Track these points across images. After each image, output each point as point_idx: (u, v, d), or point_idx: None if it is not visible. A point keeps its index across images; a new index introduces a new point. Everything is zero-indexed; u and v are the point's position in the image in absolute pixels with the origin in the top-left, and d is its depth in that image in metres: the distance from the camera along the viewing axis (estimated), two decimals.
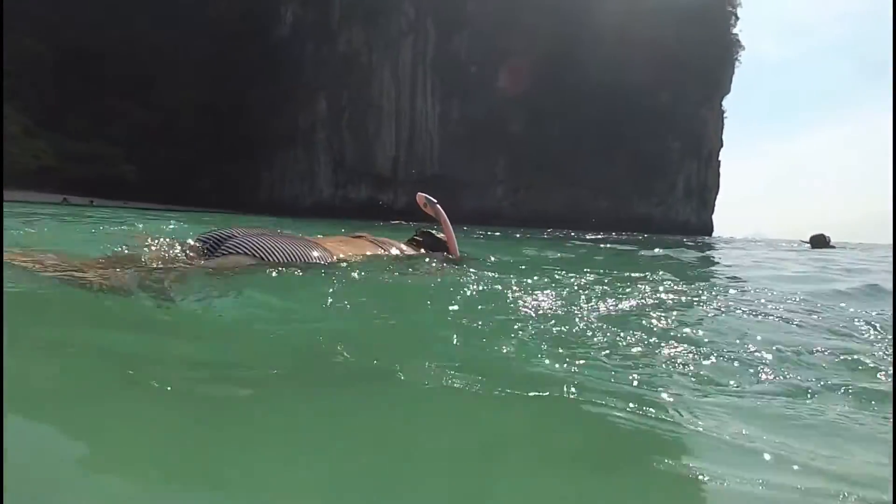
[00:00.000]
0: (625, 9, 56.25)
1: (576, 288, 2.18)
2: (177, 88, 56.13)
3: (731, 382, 1.25)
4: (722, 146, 65.36)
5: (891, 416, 1.11)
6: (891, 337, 1.75)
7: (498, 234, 13.88)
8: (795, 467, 0.87)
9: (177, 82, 56.40)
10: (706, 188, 64.48)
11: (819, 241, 15.34)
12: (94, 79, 57.32)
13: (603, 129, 56.21)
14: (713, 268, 5.80)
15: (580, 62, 55.71)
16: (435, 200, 3.04)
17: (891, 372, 1.35)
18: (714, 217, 65.31)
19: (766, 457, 0.90)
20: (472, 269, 2.37)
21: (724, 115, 65.21)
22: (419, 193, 3.14)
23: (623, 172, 57.87)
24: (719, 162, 65.04)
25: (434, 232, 2.95)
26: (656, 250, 8.24)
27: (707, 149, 63.74)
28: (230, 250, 1.87)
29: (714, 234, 62.56)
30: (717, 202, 65.58)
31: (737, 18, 64.16)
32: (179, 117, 55.48)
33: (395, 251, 2.54)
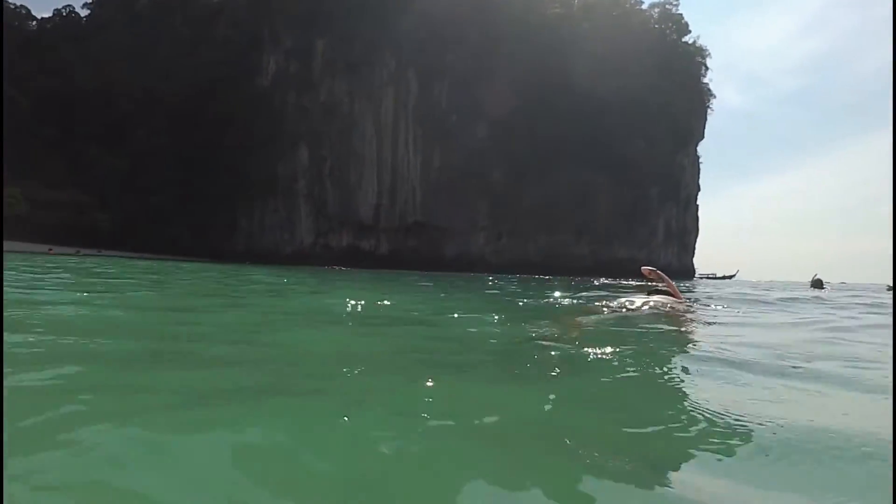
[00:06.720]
0: (601, 59, 57.84)
1: None
2: (150, 135, 55.42)
3: None
4: (699, 191, 66.65)
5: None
6: None
7: (533, 283, 15.05)
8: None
9: (150, 129, 55.73)
10: (686, 232, 65.19)
11: (816, 283, 17.93)
12: (67, 126, 56.36)
13: (582, 176, 56.82)
14: None
15: (558, 110, 56.80)
16: (654, 269, 4.65)
17: None
18: (694, 260, 65.91)
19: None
20: (700, 303, 4.85)
21: (700, 160, 66.82)
22: (643, 267, 4.75)
23: (603, 218, 58.23)
24: (697, 206, 66.13)
25: (660, 288, 4.41)
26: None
27: (685, 194, 64.84)
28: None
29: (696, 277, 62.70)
30: (696, 245, 66.31)
31: (706, 68, 66.73)
32: (153, 164, 54.51)
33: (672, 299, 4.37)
